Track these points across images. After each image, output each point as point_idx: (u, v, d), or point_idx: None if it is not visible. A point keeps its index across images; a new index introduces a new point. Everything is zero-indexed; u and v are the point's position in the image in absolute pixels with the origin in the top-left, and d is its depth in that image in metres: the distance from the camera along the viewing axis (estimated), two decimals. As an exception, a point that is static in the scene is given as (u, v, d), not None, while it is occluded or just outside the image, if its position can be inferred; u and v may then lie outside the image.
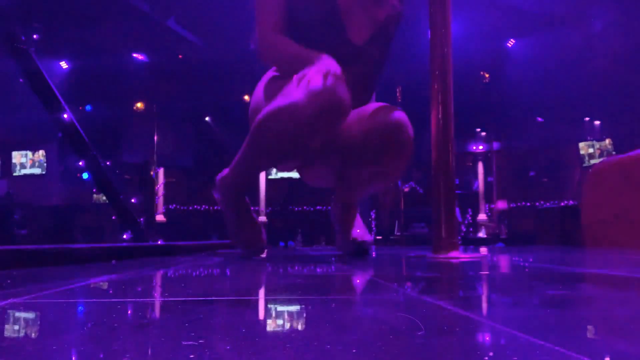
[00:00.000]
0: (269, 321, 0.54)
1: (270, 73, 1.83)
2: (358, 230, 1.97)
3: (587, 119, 8.86)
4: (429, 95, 1.80)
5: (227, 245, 3.02)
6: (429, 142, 1.79)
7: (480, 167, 7.80)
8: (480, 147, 8.68)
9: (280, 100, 1.55)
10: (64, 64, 7.97)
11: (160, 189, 7.55)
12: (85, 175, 7.35)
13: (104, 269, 1.28)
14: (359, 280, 1.04)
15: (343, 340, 0.42)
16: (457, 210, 7.60)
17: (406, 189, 7.83)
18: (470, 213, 8.43)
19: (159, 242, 3.07)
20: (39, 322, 0.55)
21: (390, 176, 1.88)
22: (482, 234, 7.64)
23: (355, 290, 0.88)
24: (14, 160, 8.89)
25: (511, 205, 8.10)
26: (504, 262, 1.53)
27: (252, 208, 1.89)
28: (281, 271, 1.24)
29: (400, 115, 1.73)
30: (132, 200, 7.65)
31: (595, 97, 7.69)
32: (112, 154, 8.24)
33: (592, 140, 8.67)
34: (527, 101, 8.02)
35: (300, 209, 8.98)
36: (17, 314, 0.59)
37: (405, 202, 7.56)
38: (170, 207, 8.55)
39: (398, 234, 7.71)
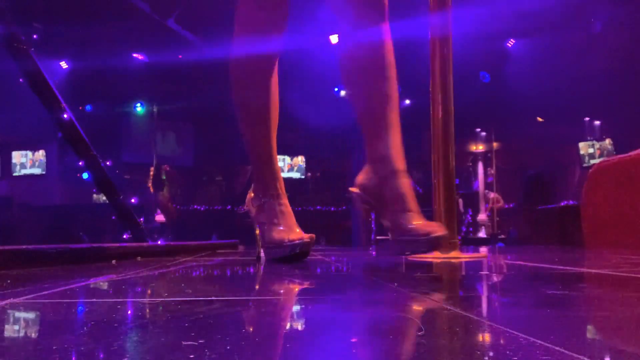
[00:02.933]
0: (269, 321, 0.54)
1: None
2: (417, 220, 1.26)
3: (587, 119, 8.86)
4: (429, 95, 1.81)
5: (227, 245, 3.02)
6: (429, 142, 1.79)
7: (480, 167, 7.80)
8: (480, 147, 8.68)
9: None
10: (64, 64, 7.98)
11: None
12: (85, 175, 7.35)
13: (104, 269, 1.28)
14: (358, 280, 1.04)
15: (343, 340, 0.42)
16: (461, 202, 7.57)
17: None
18: (471, 213, 8.44)
19: (159, 242, 3.07)
20: (39, 322, 0.55)
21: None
22: (482, 234, 7.64)
23: (354, 290, 0.88)
24: (14, 160, 8.89)
25: (507, 205, 8.10)
26: (503, 262, 1.53)
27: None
28: (281, 271, 1.24)
29: None
30: (132, 200, 7.67)
31: (595, 97, 7.70)
32: (112, 154, 8.25)
33: (592, 140, 8.67)
34: (527, 101, 8.02)
35: (300, 209, 8.98)
36: (17, 314, 0.59)
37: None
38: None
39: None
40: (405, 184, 1.31)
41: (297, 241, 1.42)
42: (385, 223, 1.34)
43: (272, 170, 1.60)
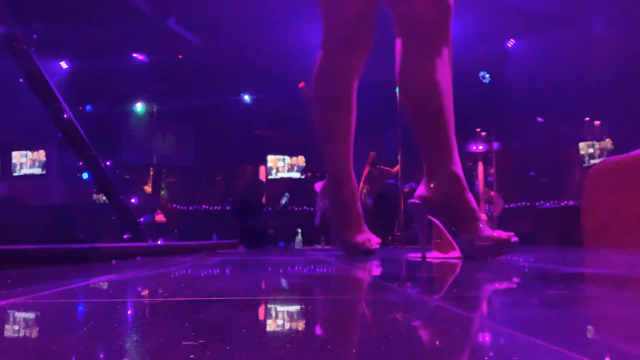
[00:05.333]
0: (269, 321, 0.54)
1: None
2: (489, 229, 1.50)
3: (587, 119, 8.86)
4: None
5: (227, 245, 3.02)
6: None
7: (480, 167, 7.80)
8: (480, 147, 8.68)
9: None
10: (64, 64, 7.97)
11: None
12: (85, 175, 7.34)
13: (104, 269, 1.28)
14: (358, 280, 1.04)
15: (343, 340, 0.42)
16: None
17: (406, 189, 7.83)
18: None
19: (159, 242, 3.07)
20: (39, 322, 0.55)
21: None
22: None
23: (355, 290, 0.88)
24: (14, 160, 8.89)
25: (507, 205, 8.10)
26: (503, 262, 1.53)
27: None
28: (281, 271, 1.24)
29: None
30: (132, 200, 7.67)
31: (595, 97, 7.69)
32: (112, 154, 8.25)
33: (592, 140, 8.66)
34: (527, 101, 8.02)
35: (300, 209, 8.98)
36: (17, 314, 0.59)
37: (405, 202, 7.56)
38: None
39: (398, 234, 7.71)
40: (473, 198, 1.51)
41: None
42: (455, 231, 1.50)
43: (336, 175, 1.84)
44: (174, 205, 8.59)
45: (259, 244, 5.40)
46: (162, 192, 8.26)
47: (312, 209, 9.04)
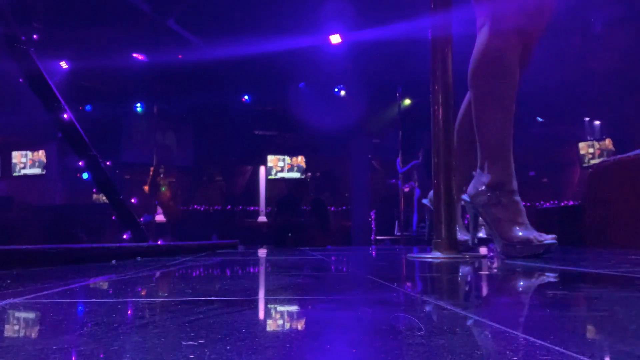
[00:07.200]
0: (269, 321, 0.54)
1: None
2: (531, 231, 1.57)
3: (587, 119, 8.86)
4: (429, 95, 1.81)
5: (227, 245, 3.02)
6: (429, 142, 1.79)
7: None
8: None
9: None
10: (64, 64, 7.97)
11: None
12: (85, 175, 7.35)
13: (104, 269, 1.28)
14: (358, 280, 1.04)
15: (343, 340, 0.42)
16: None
17: (406, 189, 7.83)
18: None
19: (159, 242, 3.07)
20: (39, 322, 0.55)
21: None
22: (482, 234, 7.63)
23: (355, 290, 0.88)
24: (14, 160, 8.89)
25: None
26: (503, 262, 1.53)
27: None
28: (281, 271, 1.24)
29: None
30: (132, 200, 7.67)
31: (595, 97, 7.69)
32: (112, 154, 8.25)
33: (592, 140, 8.67)
34: (527, 101, 8.02)
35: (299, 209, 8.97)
36: (17, 314, 0.59)
37: (405, 202, 7.57)
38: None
39: (398, 234, 7.71)
40: (520, 201, 1.63)
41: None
42: (495, 230, 1.62)
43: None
44: (178, 206, 8.60)
45: (301, 244, 5.39)
46: (163, 189, 8.25)
47: (312, 209, 9.03)
